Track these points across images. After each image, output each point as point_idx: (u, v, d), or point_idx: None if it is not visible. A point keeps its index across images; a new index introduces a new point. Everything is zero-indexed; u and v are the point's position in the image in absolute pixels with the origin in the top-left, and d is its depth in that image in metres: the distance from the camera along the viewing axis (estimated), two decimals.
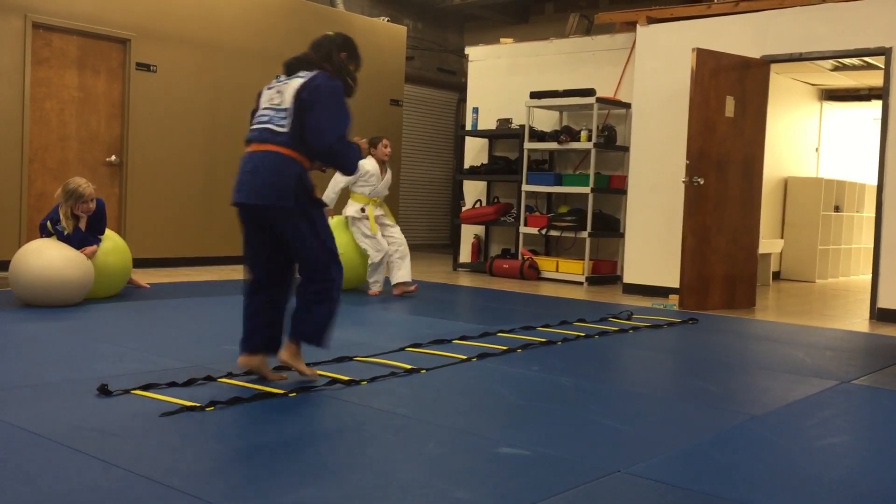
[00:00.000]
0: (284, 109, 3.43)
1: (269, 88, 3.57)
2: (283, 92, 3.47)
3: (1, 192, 7.24)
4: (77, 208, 5.57)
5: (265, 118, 3.48)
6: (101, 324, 4.94)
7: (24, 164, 7.35)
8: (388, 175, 6.76)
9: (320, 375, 3.61)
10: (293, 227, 3.45)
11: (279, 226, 3.46)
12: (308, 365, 3.63)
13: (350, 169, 3.64)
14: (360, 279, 6.74)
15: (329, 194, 6.42)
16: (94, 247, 5.63)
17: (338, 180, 6.49)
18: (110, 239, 5.88)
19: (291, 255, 3.52)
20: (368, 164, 6.55)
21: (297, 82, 3.46)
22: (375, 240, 6.58)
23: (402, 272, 6.67)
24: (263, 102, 3.55)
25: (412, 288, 6.77)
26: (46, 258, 5.29)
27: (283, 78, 3.55)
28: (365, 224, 6.57)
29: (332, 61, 3.59)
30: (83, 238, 5.59)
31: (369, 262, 6.60)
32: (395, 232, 6.76)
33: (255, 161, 3.44)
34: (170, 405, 3.07)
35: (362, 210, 6.59)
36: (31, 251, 5.39)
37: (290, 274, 3.58)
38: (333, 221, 6.59)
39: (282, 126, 3.42)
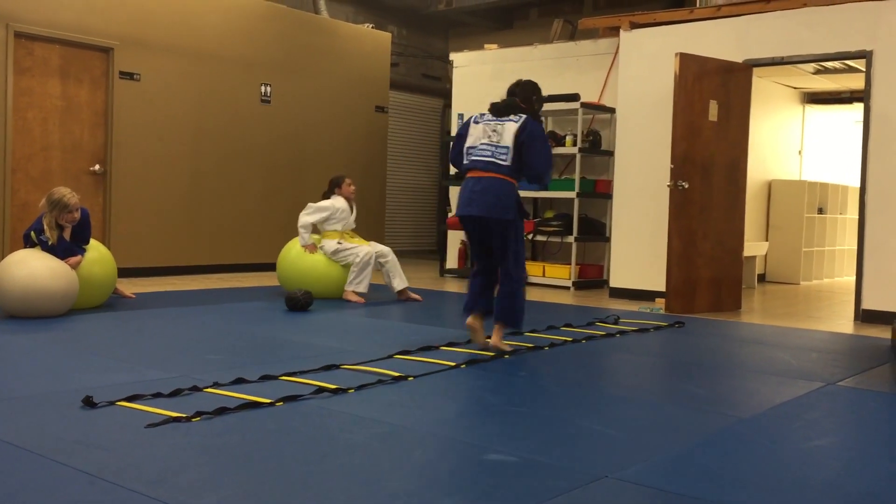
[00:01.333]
0: (505, 147, 4.51)
1: (477, 123, 4.63)
2: (499, 132, 4.54)
3: None
4: (62, 218, 5.52)
5: (488, 152, 4.54)
6: (86, 335, 4.90)
7: (7, 174, 7.30)
8: (354, 210, 7.01)
9: (307, 384, 3.61)
10: (505, 234, 4.54)
11: (496, 232, 4.54)
12: (293, 374, 3.77)
13: (547, 184, 4.94)
14: (336, 291, 6.70)
15: (304, 236, 6.70)
16: (79, 257, 5.59)
17: (304, 222, 6.70)
18: (95, 249, 5.84)
19: (496, 254, 4.60)
20: (339, 203, 6.83)
21: (512, 126, 4.52)
22: (353, 248, 6.66)
23: (399, 279, 6.77)
24: (478, 136, 4.59)
25: (417, 297, 6.88)
26: (30, 269, 5.25)
27: (488, 116, 4.62)
28: (345, 250, 6.67)
29: (531, 104, 4.70)
30: (68, 248, 5.55)
31: (353, 266, 6.60)
32: (376, 245, 6.84)
33: (484, 184, 4.51)
34: (155, 416, 3.05)
35: (339, 242, 6.71)
36: (14, 262, 5.34)
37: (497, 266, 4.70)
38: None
39: (503, 160, 4.50)
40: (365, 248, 6.66)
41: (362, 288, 6.60)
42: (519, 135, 4.49)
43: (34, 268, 5.26)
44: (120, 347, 4.49)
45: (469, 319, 4.63)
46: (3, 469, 2.49)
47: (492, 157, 4.51)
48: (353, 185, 6.98)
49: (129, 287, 6.80)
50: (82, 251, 5.66)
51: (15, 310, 5.26)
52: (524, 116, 4.56)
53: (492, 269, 4.66)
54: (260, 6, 9.19)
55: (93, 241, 5.87)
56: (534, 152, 4.50)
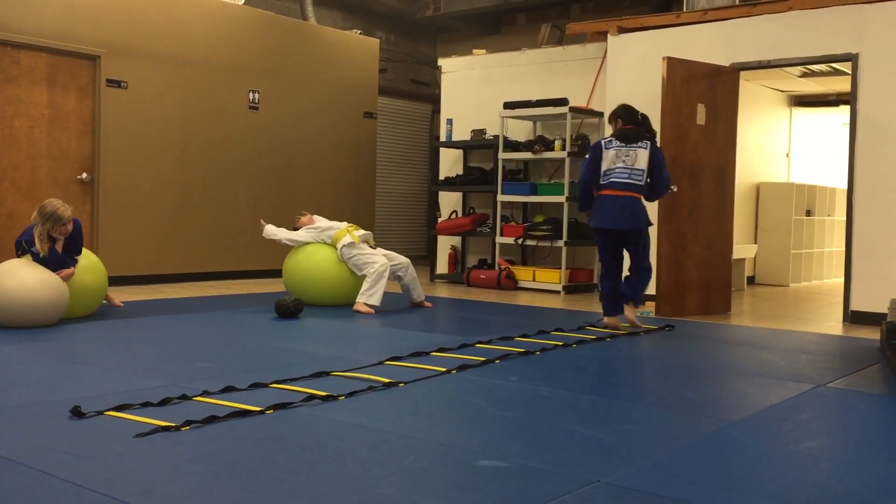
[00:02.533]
0: (641, 170, 5.60)
1: (608, 149, 5.65)
2: (632, 156, 5.59)
3: None
4: (54, 231, 5.41)
5: (625, 174, 5.59)
6: (75, 344, 4.88)
7: None
8: (326, 221, 6.97)
9: (297, 392, 3.59)
10: (639, 240, 5.71)
11: (632, 240, 5.71)
12: (283, 382, 3.78)
13: (663, 197, 6.01)
14: (343, 297, 6.66)
15: (294, 239, 6.77)
16: (71, 269, 5.52)
17: (301, 237, 6.77)
18: (85, 257, 5.78)
19: (632, 255, 5.78)
20: (322, 223, 6.83)
21: (644, 152, 5.61)
22: (371, 254, 6.55)
23: (417, 292, 6.80)
24: (613, 160, 5.62)
25: (428, 304, 6.91)
26: (20, 279, 5.20)
27: (616, 142, 5.65)
28: (363, 253, 6.54)
29: (651, 131, 5.73)
30: (60, 261, 5.45)
31: (367, 276, 6.43)
32: (393, 254, 6.77)
33: (622, 202, 5.59)
34: (144, 426, 3.03)
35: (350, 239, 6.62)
36: (4, 272, 5.30)
37: (621, 268, 5.89)
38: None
39: (639, 180, 5.61)
40: (382, 259, 6.50)
41: (375, 301, 6.36)
42: (651, 159, 5.60)
43: (24, 278, 5.22)
44: (108, 356, 4.46)
45: (610, 320, 5.67)
46: None
47: (629, 178, 5.57)
48: (304, 214, 7.02)
49: (118, 295, 6.76)
50: (74, 262, 5.60)
51: (4, 320, 5.22)
52: (650, 143, 5.62)
53: (618, 274, 5.78)
54: (247, 13, 9.18)
55: (83, 250, 5.82)
56: (661, 174, 5.65)
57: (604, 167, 5.63)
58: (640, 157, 5.59)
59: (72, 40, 7.69)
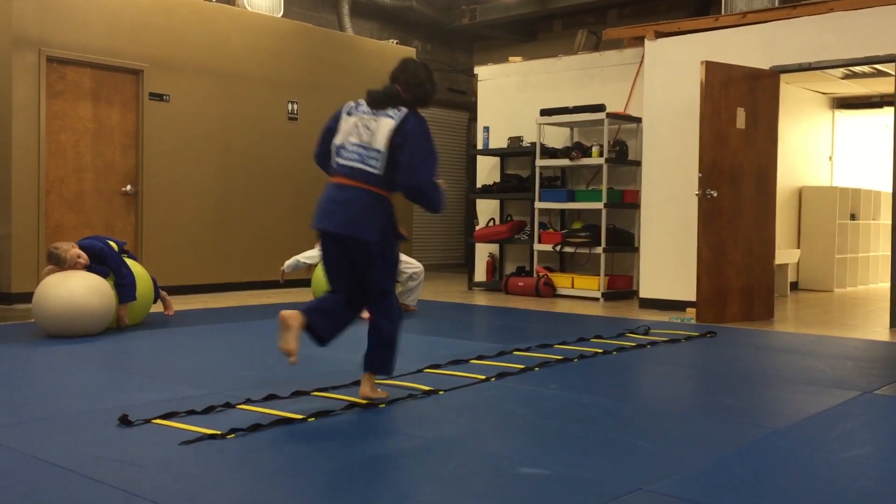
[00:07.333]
0: (378, 150, 3.53)
1: (351, 116, 3.64)
2: (371, 130, 3.55)
3: (19, 225, 7.32)
4: (68, 268, 5.49)
5: (356, 155, 3.56)
6: (120, 353, 4.97)
7: (41, 197, 7.43)
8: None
9: (339, 399, 3.62)
10: (368, 261, 3.59)
11: (358, 257, 3.59)
12: (324, 389, 3.78)
13: (437, 208, 3.67)
14: None
15: (311, 255, 6.79)
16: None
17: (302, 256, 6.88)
18: (132, 268, 5.87)
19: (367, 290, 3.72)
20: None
21: (388, 123, 3.53)
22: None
23: (413, 297, 6.82)
24: (349, 133, 3.61)
25: (414, 308, 6.94)
26: (68, 288, 5.30)
27: (364, 108, 3.62)
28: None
29: (415, 93, 3.65)
30: (100, 272, 5.58)
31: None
32: (409, 259, 6.85)
33: (349, 194, 3.54)
34: (190, 433, 3.08)
35: None
36: (52, 283, 5.40)
37: (356, 295, 3.77)
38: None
39: (374, 166, 3.53)
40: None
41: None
42: (395, 136, 3.52)
43: (71, 287, 5.32)
44: (153, 365, 4.54)
45: (286, 313, 3.68)
46: (41, 487, 2.53)
47: (361, 161, 3.56)
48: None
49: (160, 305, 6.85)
50: (124, 288, 5.62)
51: (55, 329, 5.32)
52: (406, 111, 3.57)
53: (349, 299, 3.72)
54: (285, 25, 9.30)
55: (129, 262, 5.89)
56: (408, 161, 3.51)
57: (337, 141, 3.64)
58: (381, 130, 3.53)
59: (115, 55, 7.86)
